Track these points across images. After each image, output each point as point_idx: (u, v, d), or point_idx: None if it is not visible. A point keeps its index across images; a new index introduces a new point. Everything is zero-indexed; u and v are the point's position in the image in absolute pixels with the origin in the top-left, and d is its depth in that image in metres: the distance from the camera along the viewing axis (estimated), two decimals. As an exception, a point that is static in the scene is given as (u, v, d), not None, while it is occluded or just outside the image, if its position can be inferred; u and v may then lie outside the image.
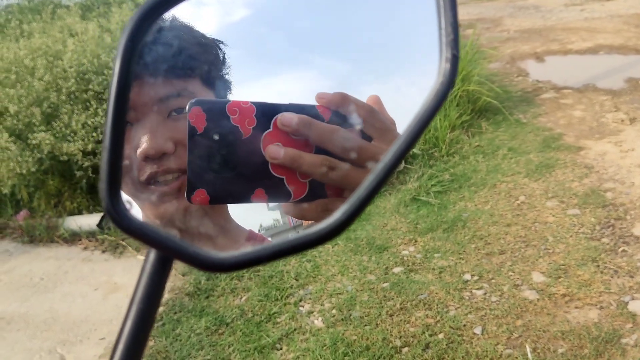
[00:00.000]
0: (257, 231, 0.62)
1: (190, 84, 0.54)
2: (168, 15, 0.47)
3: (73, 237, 3.53)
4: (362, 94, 0.46)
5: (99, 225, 3.54)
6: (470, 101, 4.70)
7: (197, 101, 0.40)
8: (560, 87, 5.58)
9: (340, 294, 2.69)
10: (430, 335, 2.34)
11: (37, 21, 4.17)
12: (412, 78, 0.50)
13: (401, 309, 2.53)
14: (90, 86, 3.47)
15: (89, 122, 3.39)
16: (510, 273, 2.72)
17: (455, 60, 0.28)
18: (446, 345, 2.28)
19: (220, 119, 0.40)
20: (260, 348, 2.38)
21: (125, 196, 0.31)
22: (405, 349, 2.29)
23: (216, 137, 0.40)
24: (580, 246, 2.86)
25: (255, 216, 0.59)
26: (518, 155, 4.05)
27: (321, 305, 2.63)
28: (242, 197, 0.41)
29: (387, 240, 3.13)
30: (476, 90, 4.74)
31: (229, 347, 2.42)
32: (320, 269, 2.91)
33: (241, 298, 2.76)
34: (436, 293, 2.61)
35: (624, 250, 2.79)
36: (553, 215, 3.20)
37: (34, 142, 3.36)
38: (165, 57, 0.50)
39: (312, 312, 2.59)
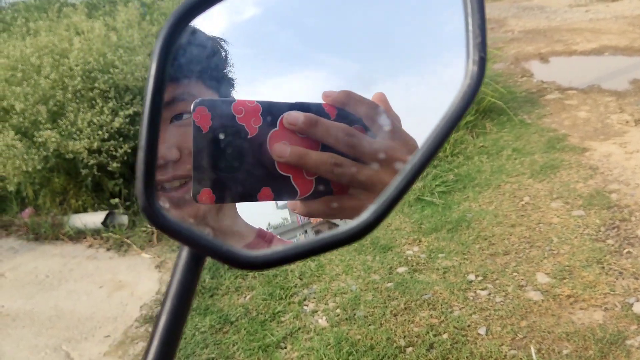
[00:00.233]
0: (266, 230, 0.62)
1: (192, 86, 0.54)
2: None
3: (78, 235, 3.55)
4: (372, 93, 0.46)
5: (104, 223, 3.55)
6: (474, 102, 4.70)
7: (201, 101, 0.40)
8: (564, 88, 5.57)
9: (344, 293, 2.69)
10: (435, 336, 2.34)
11: (44, 19, 4.18)
12: (422, 77, 0.50)
13: (405, 308, 2.53)
14: (96, 84, 3.48)
15: (95, 121, 3.40)
16: (515, 274, 2.72)
17: (482, 62, 0.28)
18: (450, 345, 2.28)
19: (226, 118, 0.40)
20: (265, 347, 2.38)
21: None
22: (410, 349, 2.29)
23: (222, 136, 0.40)
24: (585, 247, 2.85)
25: (263, 215, 0.60)
26: (522, 156, 4.05)
27: (325, 304, 2.64)
28: (249, 196, 0.41)
29: (391, 240, 3.14)
30: (480, 90, 4.73)
31: (234, 345, 2.42)
32: (324, 269, 2.92)
33: (245, 297, 2.76)
34: (440, 293, 2.62)
35: (628, 252, 2.79)
36: (558, 216, 3.20)
37: (39, 140, 3.37)
38: None
39: (317, 311, 2.59)
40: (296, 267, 2.96)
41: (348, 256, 3.01)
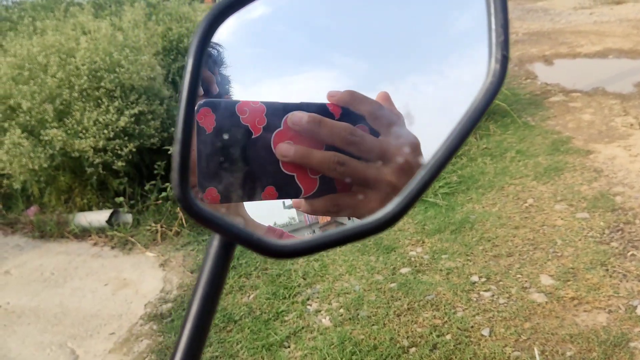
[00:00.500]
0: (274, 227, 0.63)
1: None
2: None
3: (83, 233, 3.56)
4: (378, 92, 0.47)
5: (109, 221, 3.57)
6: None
7: (205, 102, 0.41)
8: (569, 90, 5.57)
9: (347, 293, 2.70)
10: (438, 336, 2.35)
11: (50, 18, 4.21)
12: (430, 77, 0.51)
13: (408, 309, 2.54)
14: (102, 84, 3.50)
15: (100, 119, 3.42)
16: (519, 275, 2.72)
17: (505, 61, 0.29)
18: (454, 346, 2.29)
19: (230, 119, 0.41)
20: (268, 346, 2.39)
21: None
22: (413, 349, 2.30)
23: (226, 136, 0.41)
24: (589, 250, 2.86)
25: (271, 214, 0.60)
26: (526, 158, 4.05)
27: (329, 304, 2.64)
28: (253, 195, 0.42)
29: (395, 240, 3.14)
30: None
31: (237, 344, 2.44)
32: (327, 269, 2.93)
33: (249, 296, 2.78)
34: (444, 294, 2.62)
35: (632, 255, 2.79)
36: (562, 219, 3.20)
37: (46, 138, 3.39)
38: None
39: (320, 311, 2.60)
40: (299, 266, 2.97)
41: (351, 256, 3.01)
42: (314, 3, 0.55)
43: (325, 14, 0.53)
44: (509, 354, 2.22)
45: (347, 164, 0.42)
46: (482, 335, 2.34)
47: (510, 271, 2.76)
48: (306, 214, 0.53)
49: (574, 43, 7.39)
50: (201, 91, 0.51)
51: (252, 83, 0.58)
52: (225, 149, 0.41)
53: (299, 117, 0.43)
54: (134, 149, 3.54)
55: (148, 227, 3.52)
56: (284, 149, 0.42)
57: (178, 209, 3.53)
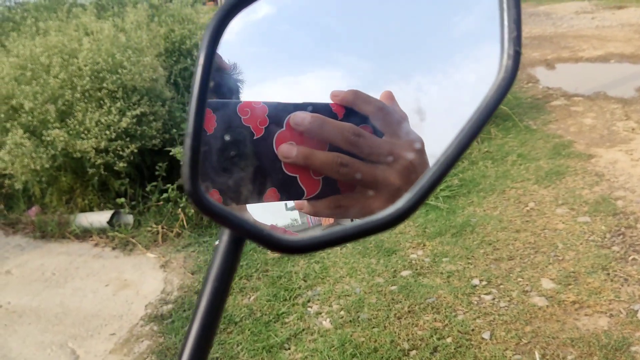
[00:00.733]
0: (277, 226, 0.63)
1: None
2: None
3: (84, 234, 3.57)
4: (381, 92, 0.47)
5: (110, 222, 3.58)
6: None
7: (207, 102, 0.41)
8: (570, 94, 5.57)
9: (348, 295, 2.70)
10: (439, 339, 2.34)
11: (53, 19, 4.21)
12: (435, 77, 0.51)
13: (409, 312, 2.54)
14: (105, 84, 3.51)
15: (103, 120, 3.42)
16: (519, 279, 2.72)
17: (517, 56, 0.29)
18: (454, 349, 2.28)
19: (231, 120, 0.41)
20: (269, 347, 2.39)
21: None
22: (413, 352, 2.29)
23: (227, 137, 0.40)
24: (591, 254, 2.85)
25: (273, 216, 0.60)
26: (528, 161, 4.05)
27: (329, 306, 2.64)
28: (255, 197, 0.42)
29: (396, 243, 3.14)
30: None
31: (238, 345, 2.43)
32: (328, 271, 2.92)
33: (250, 297, 2.77)
34: (444, 297, 2.62)
35: (634, 259, 2.79)
36: (563, 222, 3.20)
37: (48, 138, 3.40)
38: None
39: (320, 313, 2.60)
40: (300, 268, 2.96)
41: (352, 259, 3.01)
42: (319, 3, 0.55)
43: (330, 14, 0.53)
44: (510, 357, 2.22)
45: (350, 165, 0.42)
46: (482, 338, 2.33)
47: (511, 275, 2.76)
48: (309, 216, 0.52)
49: (575, 47, 7.40)
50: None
51: (255, 83, 0.58)
52: (227, 150, 0.40)
53: (302, 118, 0.42)
54: (135, 150, 3.54)
55: (149, 228, 3.52)
56: (286, 150, 0.42)
57: (179, 210, 3.53)
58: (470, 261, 2.91)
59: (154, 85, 3.79)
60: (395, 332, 2.41)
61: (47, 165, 3.43)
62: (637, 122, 4.61)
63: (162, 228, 3.49)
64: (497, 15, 0.33)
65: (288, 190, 0.42)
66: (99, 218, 3.59)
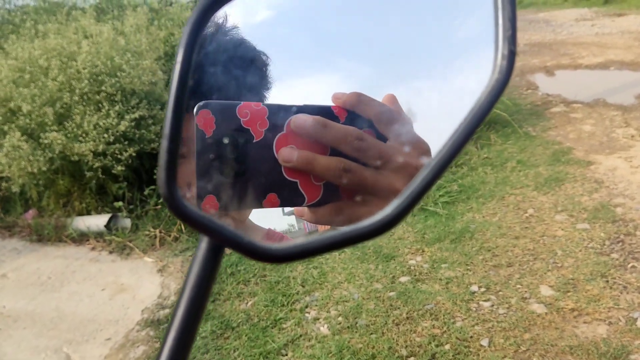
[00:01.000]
0: (274, 230, 0.62)
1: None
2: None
3: (81, 237, 3.55)
4: (382, 96, 0.46)
5: (107, 226, 3.56)
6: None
7: (205, 104, 0.39)
8: (570, 101, 5.57)
9: (346, 301, 2.68)
10: (437, 346, 2.32)
11: (52, 22, 4.21)
12: (434, 82, 0.50)
13: (407, 318, 2.52)
14: (103, 87, 3.50)
15: (101, 123, 3.41)
16: (518, 286, 2.70)
17: (512, 56, 0.28)
18: (452, 356, 2.26)
19: (231, 122, 0.39)
20: (266, 353, 2.37)
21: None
22: (412, 359, 2.27)
23: (226, 140, 0.39)
24: (590, 261, 2.84)
25: (269, 221, 0.59)
26: (527, 168, 4.04)
27: (327, 312, 2.62)
28: (254, 203, 0.40)
29: (394, 249, 3.13)
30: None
31: (235, 351, 2.41)
32: (326, 276, 2.90)
33: (247, 303, 2.75)
34: (443, 303, 2.60)
35: (633, 267, 2.77)
36: (562, 229, 3.18)
37: (45, 141, 3.38)
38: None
39: (318, 319, 2.58)
40: (298, 274, 2.95)
41: (350, 264, 3.00)
42: (318, 7, 0.54)
43: (329, 18, 0.53)
44: (509, 365, 2.20)
45: (353, 170, 0.40)
46: (481, 345, 2.31)
47: (510, 281, 2.74)
48: (305, 222, 0.51)
49: (575, 54, 7.41)
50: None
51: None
52: (226, 154, 0.39)
53: (303, 120, 0.41)
54: (133, 154, 3.53)
55: (147, 232, 3.50)
56: (287, 154, 0.40)
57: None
58: (469, 267, 2.89)
59: (153, 88, 3.78)
60: (394, 339, 2.39)
61: (44, 168, 3.41)
62: (636, 129, 4.60)
63: (160, 232, 3.47)
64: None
65: (288, 196, 0.40)
66: (97, 222, 3.58)
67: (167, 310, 2.77)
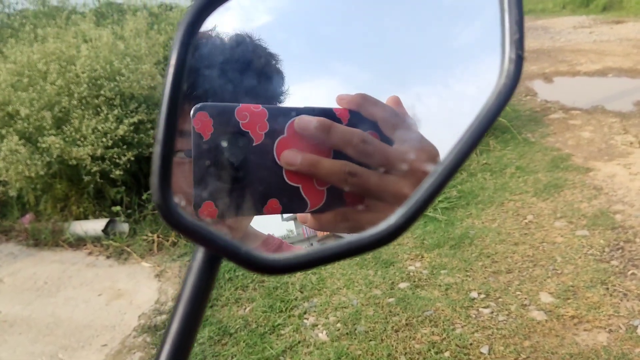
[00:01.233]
0: (274, 236, 0.61)
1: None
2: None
3: (78, 242, 3.53)
4: (383, 100, 0.45)
5: (105, 230, 3.54)
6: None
7: (202, 106, 0.37)
8: (568, 107, 5.57)
9: (345, 307, 2.66)
10: (436, 353, 2.31)
11: (52, 26, 4.20)
12: (434, 88, 0.49)
13: (407, 325, 2.50)
14: (102, 92, 3.49)
15: (99, 128, 3.40)
16: (518, 292, 2.69)
17: (520, 61, 0.27)
18: (452, 363, 2.24)
19: (229, 125, 0.37)
20: (263, 360, 2.35)
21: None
22: (410, 366, 2.26)
23: (224, 144, 0.37)
24: (589, 268, 2.82)
25: (268, 226, 0.58)
26: (526, 174, 4.04)
27: (326, 318, 2.60)
28: (254, 209, 0.38)
29: (394, 255, 3.11)
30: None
31: (232, 357, 2.39)
32: (325, 282, 2.89)
33: (245, 309, 2.73)
34: (442, 310, 2.58)
35: (633, 274, 2.76)
36: (561, 236, 3.17)
37: (43, 145, 3.37)
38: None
39: (317, 325, 2.56)
40: (297, 279, 2.93)
41: (349, 270, 2.98)
42: (317, 11, 0.54)
43: (328, 23, 0.52)
44: (508, 373, 2.18)
45: (359, 174, 0.38)
46: (481, 352, 2.29)
47: (509, 288, 2.73)
48: (304, 227, 0.50)
49: (573, 61, 7.43)
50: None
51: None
52: (224, 158, 0.37)
53: (307, 121, 0.39)
54: (132, 158, 3.51)
55: (144, 237, 3.49)
56: (291, 157, 0.38)
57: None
58: (468, 274, 2.87)
59: (152, 93, 3.77)
60: (393, 346, 2.37)
61: (42, 173, 3.40)
62: (635, 136, 4.60)
63: (158, 237, 3.45)
64: (497, 26, 0.31)
65: (290, 202, 0.39)
66: (94, 226, 3.56)
67: (164, 316, 2.75)
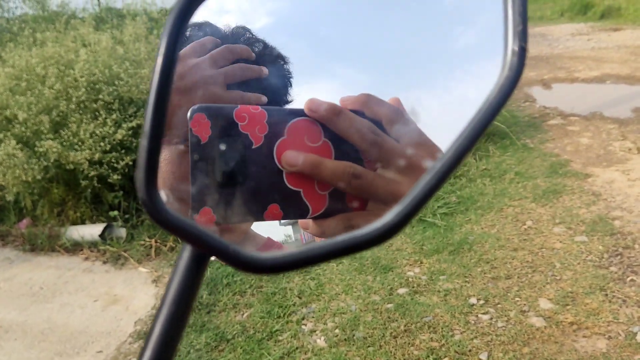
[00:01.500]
0: (274, 240, 0.60)
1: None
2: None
3: (75, 247, 3.51)
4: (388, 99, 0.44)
5: (102, 235, 3.52)
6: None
7: (199, 107, 0.36)
8: (567, 114, 5.58)
9: (343, 313, 2.64)
10: (435, 359, 2.29)
11: (51, 30, 4.21)
12: (435, 91, 0.49)
13: (405, 331, 2.48)
14: (101, 96, 3.48)
15: (97, 132, 3.39)
16: (517, 298, 2.67)
17: (523, 52, 0.26)
18: (450, 370, 2.23)
19: (227, 126, 0.36)
20: (261, 366, 2.33)
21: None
22: (409, 373, 2.24)
23: (223, 146, 0.36)
24: (588, 274, 2.81)
25: (266, 231, 0.57)
26: (525, 179, 4.03)
27: (324, 324, 2.58)
28: (254, 215, 0.37)
29: (392, 260, 3.10)
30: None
31: (229, 364, 2.37)
32: (323, 288, 2.87)
33: (243, 314, 2.72)
34: (441, 316, 2.57)
35: (632, 280, 2.75)
36: (560, 242, 3.16)
37: (40, 149, 3.36)
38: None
39: (315, 331, 2.54)
40: (295, 285, 2.91)
41: (348, 276, 2.96)
42: (317, 14, 0.53)
43: (328, 25, 0.51)
44: (507, 380, 2.16)
45: (364, 176, 0.37)
46: (480, 359, 2.28)
47: (508, 294, 2.72)
48: (302, 231, 0.49)
49: (571, 68, 7.45)
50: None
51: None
52: (222, 162, 0.36)
53: (318, 104, 0.38)
54: (130, 163, 3.50)
55: (142, 242, 3.47)
56: (292, 157, 0.37)
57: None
58: (467, 279, 2.86)
59: (151, 97, 3.76)
60: (391, 352, 2.35)
61: (39, 177, 3.38)
62: (633, 142, 4.60)
63: (156, 242, 3.44)
64: (498, 29, 0.30)
65: (291, 207, 0.38)
66: (91, 231, 3.54)
67: (161, 322, 2.73)
